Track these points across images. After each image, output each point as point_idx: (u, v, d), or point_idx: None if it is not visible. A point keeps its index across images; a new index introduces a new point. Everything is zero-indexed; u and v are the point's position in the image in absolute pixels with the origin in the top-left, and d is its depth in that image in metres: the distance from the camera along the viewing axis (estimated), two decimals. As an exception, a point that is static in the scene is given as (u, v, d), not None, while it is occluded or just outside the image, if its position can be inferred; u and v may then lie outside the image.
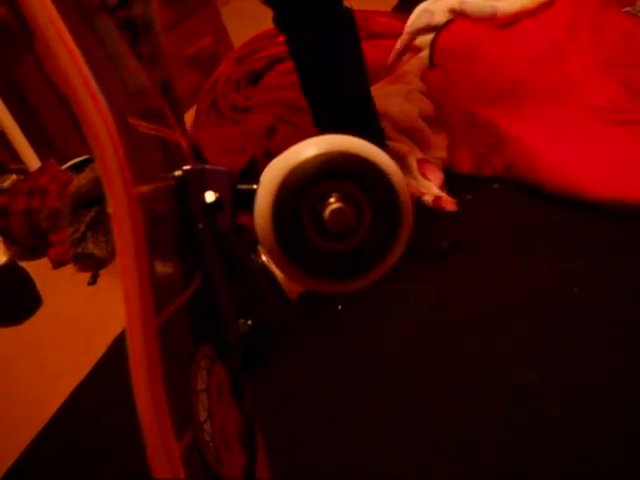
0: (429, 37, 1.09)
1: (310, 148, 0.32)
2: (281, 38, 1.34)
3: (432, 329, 0.77)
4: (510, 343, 0.72)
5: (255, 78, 1.31)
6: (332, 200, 0.32)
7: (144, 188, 0.26)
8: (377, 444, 0.67)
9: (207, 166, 0.34)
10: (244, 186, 0.34)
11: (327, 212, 0.31)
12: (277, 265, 0.33)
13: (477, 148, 0.94)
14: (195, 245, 0.33)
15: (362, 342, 0.79)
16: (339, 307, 0.84)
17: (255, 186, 0.33)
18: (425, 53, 1.06)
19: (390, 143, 0.90)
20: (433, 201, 0.87)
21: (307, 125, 1.10)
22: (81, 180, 1.09)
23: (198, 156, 1.14)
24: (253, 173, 1.14)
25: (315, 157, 0.32)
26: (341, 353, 0.79)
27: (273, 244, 0.32)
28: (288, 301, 0.45)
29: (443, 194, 0.88)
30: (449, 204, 0.87)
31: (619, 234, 0.77)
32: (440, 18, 1.10)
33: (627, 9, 1.01)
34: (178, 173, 0.32)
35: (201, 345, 0.31)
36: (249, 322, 0.40)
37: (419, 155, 0.91)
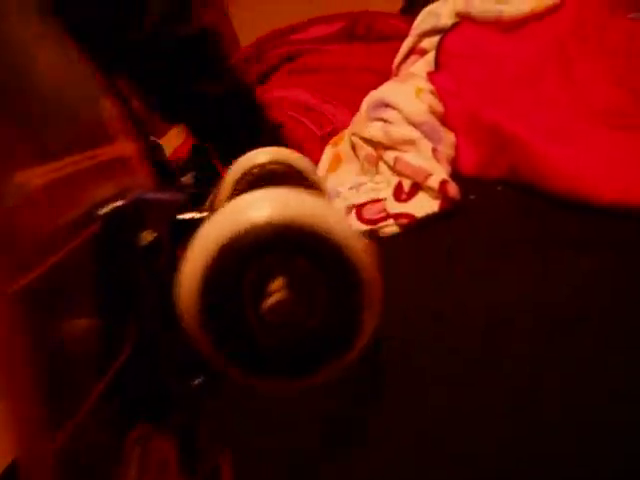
0: (435, 39, 1.08)
1: (259, 209, 0.25)
2: (291, 37, 1.34)
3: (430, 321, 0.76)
4: (511, 343, 0.71)
5: (263, 77, 1.31)
6: (275, 286, 0.25)
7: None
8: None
9: (145, 196, 0.28)
10: (187, 216, 0.30)
11: (267, 304, 0.25)
12: (206, 357, 0.26)
13: (482, 149, 0.93)
14: (127, 302, 0.27)
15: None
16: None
17: (199, 215, 0.30)
18: (431, 55, 1.06)
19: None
20: (440, 184, 0.86)
21: (317, 126, 1.10)
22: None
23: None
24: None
25: (266, 224, 0.25)
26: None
27: (200, 330, 0.25)
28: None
29: (450, 180, 0.88)
30: (453, 191, 0.87)
31: (623, 235, 0.76)
32: (446, 21, 1.09)
33: (633, 15, 1.00)
34: (103, 212, 0.25)
35: (130, 429, 0.26)
36: (200, 380, 0.33)
37: (431, 145, 0.91)
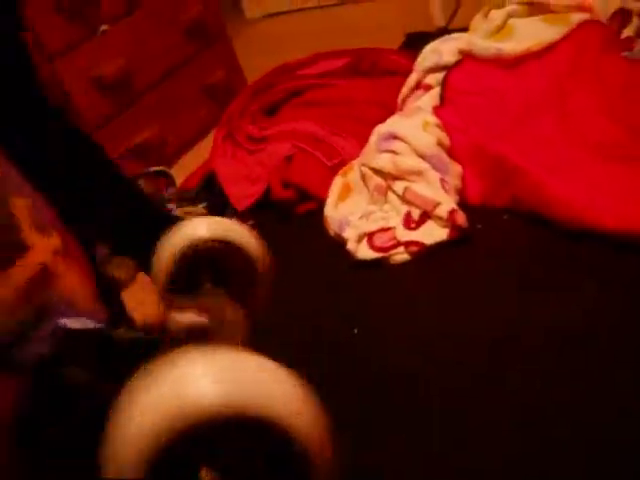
0: (438, 75, 1.13)
1: (204, 382, 0.24)
2: (298, 71, 1.39)
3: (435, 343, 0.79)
4: (520, 364, 0.74)
5: (270, 111, 1.35)
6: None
7: None
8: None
9: (64, 327, 0.26)
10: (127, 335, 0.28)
11: None
12: None
13: (487, 180, 0.97)
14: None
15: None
16: (355, 331, 0.86)
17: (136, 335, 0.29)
18: (436, 90, 1.10)
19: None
20: (449, 213, 0.90)
21: (326, 157, 1.13)
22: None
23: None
24: (268, 203, 1.16)
25: (212, 406, 0.24)
26: None
27: None
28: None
29: (458, 209, 0.91)
30: (462, 219, 0.90)
31: (626, 263, 0.80)
32: (449, 58, 1.14)
33: (626, 53, 1.06)
34: (30, 362, 0.23)
35: None
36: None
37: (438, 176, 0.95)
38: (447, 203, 0.92)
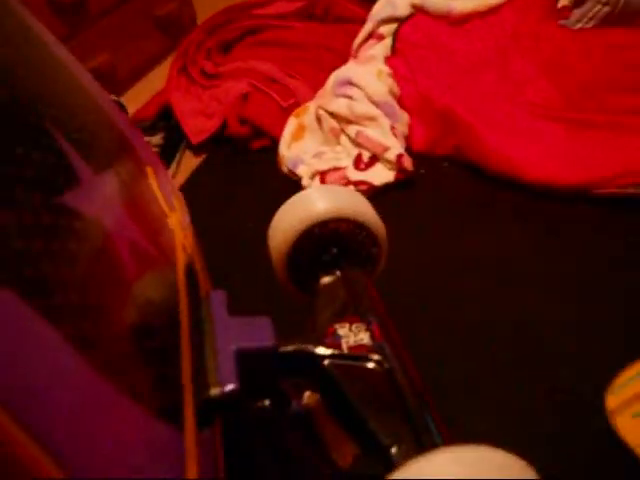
0: (392, 27, 1.19)
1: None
2: (254, 11, 1.41)
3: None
4: (461, 292, 0.85)
5: (225, 48, 1.36)
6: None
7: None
8: None
9: (240, 346, 0.26)
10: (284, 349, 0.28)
11: None
12: None
13: (432, 129, 1.05)
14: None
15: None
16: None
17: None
18: (388, 41, 1.16)
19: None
20: (397, 156, 0.98)
21: (281, 97, 1.18)
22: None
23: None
24: (223, 138, 1.20)
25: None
26: None
27: None
28: (337, 468, 0.31)
29: (405, 154, 0.99)
30: (408, 163, 0.99)
31: (548, 210, 0.92)
32: (402, 11, 1.19)
33: (562, 22, 1.15)
34: (198, 400, 0.23)
35: None
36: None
37: (389, 122, 1.02)
38: (396, 148, 1.00)
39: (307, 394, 0.30)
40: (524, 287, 0.84)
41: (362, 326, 0.30)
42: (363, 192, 1.01)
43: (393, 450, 0.23)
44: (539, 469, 0.70)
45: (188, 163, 1.21)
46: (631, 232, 0.87)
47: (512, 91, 1.04)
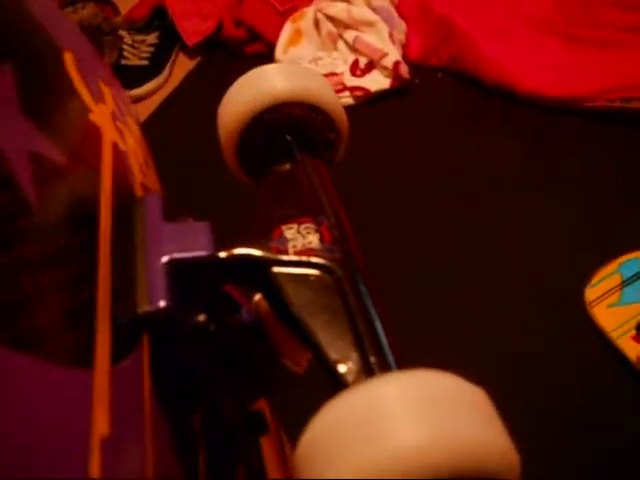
0: None
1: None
2: None
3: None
4: (447, 194, 0.87)
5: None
6: None
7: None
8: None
9: (174, 256, 0.23)
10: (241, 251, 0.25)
11: None
12: None
13: (428, 38, 1.05)
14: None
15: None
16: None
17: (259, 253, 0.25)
18: (389, -52, 1.13)
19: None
20: (394, 63, 0.98)
21: (278, 1, 1.15)
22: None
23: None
24: (219, 42, 1.18)
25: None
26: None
27: None
28: (290, 373, 0.29)
29: (402, 61, 0.99)
30: (404, 71, 0.98)
31: (537, 121, 0.93)
32: None
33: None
34: (121, 318, 0.20)
35: None
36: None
37: (387, 29, 1.01)
38: (393, 54, 0.99)
39: (257, 297, 0.28)
40: (508, 191, 0.86)
41: (311, 227, 0.26)
42: (358, 98, 1.01)
43: (340, 369, 0.22)
44: (525, 353, 0.73)
45: (182, 65, 1.19)
46: (614, 142, 0.89)
47: (510, 3, 1.03)
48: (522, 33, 1.00)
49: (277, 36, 1.12)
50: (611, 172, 0.85)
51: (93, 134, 0.25)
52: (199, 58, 1.19)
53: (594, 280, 0.74)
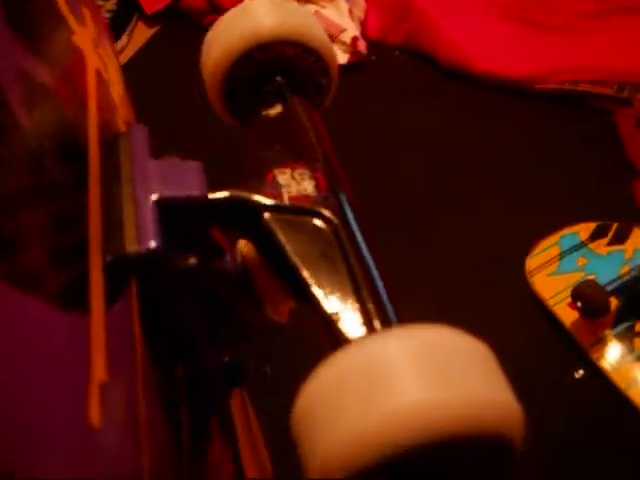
0: None
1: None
2: None
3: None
4: (399, 172, 0.88)
5: None
6: None
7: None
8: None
9: (162, 195, 0.21)
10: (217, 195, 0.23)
11: None
12: None
13: (386, 16, 1.06)
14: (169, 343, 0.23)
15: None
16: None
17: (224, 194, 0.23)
18: None
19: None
20: (352, 39, 0.98)
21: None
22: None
23: None
24: (178, 12, 1.16)
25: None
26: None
27: None
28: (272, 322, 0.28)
29: (360, 37, 1.00)
30: (362, 46, 0.99)
31: (493, 99, 0.96)
32: None
33: None
34: (109, 259, 0.19)
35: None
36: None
37: (347, 6, 1.01)
38: (352, 30, 1.00)
39: (242, 243, 0.26)
40: (458, 169, 0.89)
41: (306, 173, 0.25)
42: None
43: (339, 323, 0.20)
44: (464, 318, 0.77)
45: (140, 34, 1.16)
46: (562, 123, 0.92)
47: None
48: (478, 14, 1.02)
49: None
50: (558, 152, 0.89)
51: (77, 58, 0.23)
52: (157, 27, 1.17)
53: (535, 251, 0.77)
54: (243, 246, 0.26)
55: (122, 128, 0.26)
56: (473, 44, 0.97)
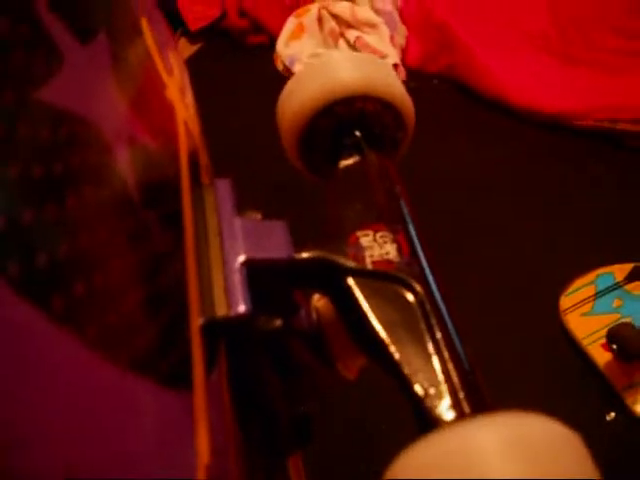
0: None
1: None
2: None
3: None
4: (431, 202, 0.88)
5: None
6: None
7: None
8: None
9: (253, 257, 0.21)
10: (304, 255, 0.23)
11: None
12: None
13: (427, 45, 1.06)
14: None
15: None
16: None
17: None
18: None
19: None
20: (393, 66, 0.99)
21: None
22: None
23: None
24: (221, 30, 1.17)
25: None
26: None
27: None
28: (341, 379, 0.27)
29: (400, 64, 1.00)
30: (402, 74, 1.00)
31: (529, 135, 0.95)
32: None
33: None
34: (199, 323, 0.18)
35: None
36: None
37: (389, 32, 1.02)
38: (393, 57, 1.00)
39: (316, 298, 0.26)
40: (492, 199, 0.88)
41: (388, 236, 0.24)
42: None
43: (428, 403, 0.19)
44: (498, 353, 0.75)
45: (183, 50, 1.18)
46: (599, 161, 0.92)
47: (510, 18, 1.06)
48: (518, 47, 1.02)
49: (280, 29, 1.12)
50: (596, 190, 0.88)
51: (170, 112, 0.23)
52: (200, 44, 1.18)
53: (570, 289, 0.76)
54: (317, 301, 0.26)
55: (205, 179, 0.26)
56: (512, 77, 0.97)
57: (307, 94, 0.29)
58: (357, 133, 0.29)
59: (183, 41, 1.20)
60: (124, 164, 0.17)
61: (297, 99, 0.29)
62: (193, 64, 1.16)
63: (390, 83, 0.30)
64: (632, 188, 0.88)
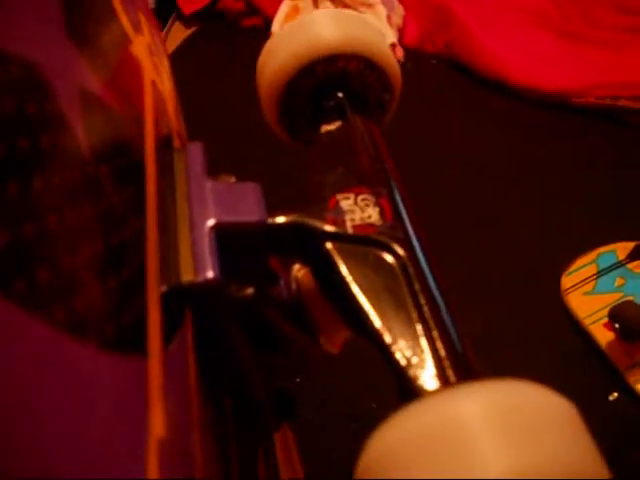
0: None
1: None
2: None
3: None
4: (425, 179, 0.86)
5: None
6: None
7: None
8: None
9: (221, 221, 0.20)
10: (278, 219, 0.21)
11: None
12: None
13: (424, 25, 1.03)
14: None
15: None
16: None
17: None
18: None
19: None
20: (390, 45, 0.96)
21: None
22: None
23: None
24: (216, 12, 1.14)
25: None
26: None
27: None
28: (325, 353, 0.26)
29: (398, 44, 0.98)
30: (400, 53, 0.97)
31: (528, 113, 0.93)
32: None
33: None
34: (164, 290, 0.17)
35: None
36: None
37: (386, 11, 0.99)
38: (390, 36, 0.97)
39: (296, 268, 0.24)
40: (491, 179, 0.86)
41: (370, 199, 0.22)
42: (353, 77, 0.99)
43: (410, 373, 0.18)
44: (500, 334, 0.73)
45: (177, 34, 1.15)
46: (600, 138, 0.89)
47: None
48: (517, 25, 0.99)
49: (275, 11, 1.09)
50: (596, 168, 0.86)
51: (134, 69, 0.21)
52: (195, 28, 1.16)
53: (571, 269, 0.74)
54: (297, 271, 0.24)
55: (176, 143, 0.24)
56: (511, 56, 0.94)
57: (287, 53, 0.27)
58: (339, 94, 0.27)
59: (177, 25, 1.17)
60: (75, 117, 0.15)
61: (276, 59, 0.27)
62: (188, 47, 1.14)
63: (373, 41, 0.28)
64: (633, 165, 0.86)
